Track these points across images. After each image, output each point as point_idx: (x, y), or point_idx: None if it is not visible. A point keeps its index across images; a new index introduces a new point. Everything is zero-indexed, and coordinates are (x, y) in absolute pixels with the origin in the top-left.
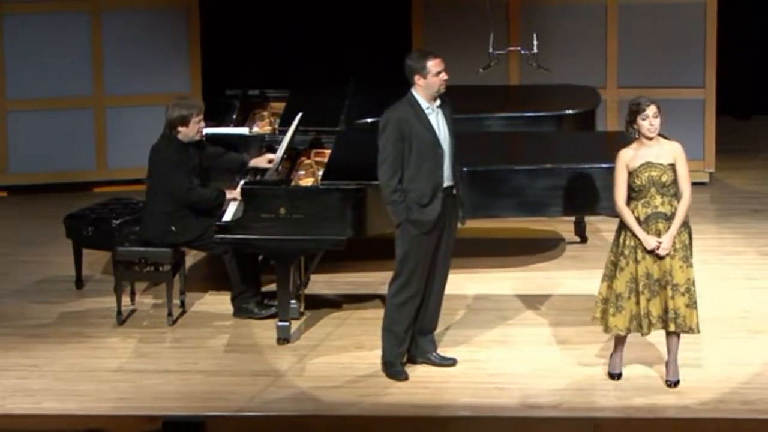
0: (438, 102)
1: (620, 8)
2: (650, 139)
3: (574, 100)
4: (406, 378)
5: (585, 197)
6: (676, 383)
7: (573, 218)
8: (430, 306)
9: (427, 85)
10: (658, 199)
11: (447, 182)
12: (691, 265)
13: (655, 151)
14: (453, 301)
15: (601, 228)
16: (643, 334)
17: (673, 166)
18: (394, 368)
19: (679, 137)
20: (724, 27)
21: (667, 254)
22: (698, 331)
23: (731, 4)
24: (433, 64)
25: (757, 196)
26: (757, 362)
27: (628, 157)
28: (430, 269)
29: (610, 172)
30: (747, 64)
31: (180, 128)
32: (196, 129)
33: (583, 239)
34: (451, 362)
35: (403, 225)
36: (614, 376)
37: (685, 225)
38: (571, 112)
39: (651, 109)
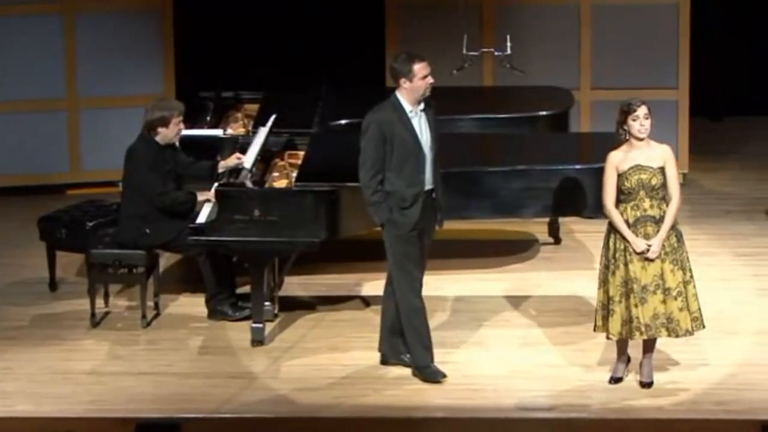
0: (422, 105)
1: (593, 9)
2: (640, 140)
3: (547, 101)
4: (444, 376)
5: (559, 198)
6: (650, 384)
7: (547, 219)
8: None
9: (412, 89)
10: (647, 203)
11: (428, 186)
12: (681, 268)
13: (645, 154)
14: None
15: (575, 229)
16: (630, 339)
17: (662, 170)
18: (429, 370)
19: (653, 138)
20: (698, 28)
21: (657, 258)
22: (692, 333)
23: (704, 5)
24: (419, 68)
25: (730, 197)
26: (731, 363)
27: (618, 159)
28: None
29: (584, 173)
30: (720, 66)
31: (160, 129)
32: (175, 131)
33: (557, 240)
34: None
35: (387, 226)
36: (613, 380)
37: (673, 227)
38: (544, 113)
39: (642, 110)
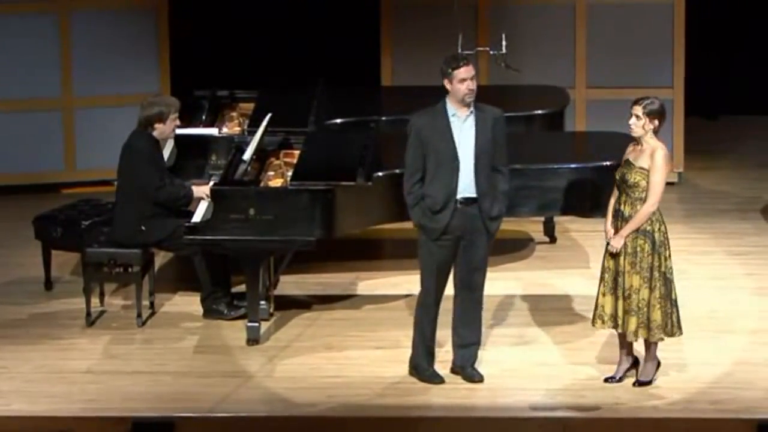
0: (471, 110)
1: (589, 8)
2: (635, 138)
3: (543, 100)
4: (441, 381)
5: (554, 197)
6: (645, 383)
7: (542, 218)
8: (463, 318)
9: (453, 92)
10: (622, 198)
11: (466, 193)
12: (638, 273)
13: (637, 151)
14: None
15: (570, 228)
16: (593, 325)
17: (647, 172)
18: (428, 372)
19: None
20: (693, 27)
21: (620, 255)
22: (636, 339)
23: (699, 4)
24: (457, 71)
25: (725, 196)
26: (726, 362)
27: (627, 151)
28: (461, 281)
29: (580, 172)
30: (715, 65)
31: (157, 125)
32: (172, 127)
33: (552, 239)
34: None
35: (419, 229)
36: (610, 379)
37: (648, 233)
38: (540, 112)
39: (634, 109)
